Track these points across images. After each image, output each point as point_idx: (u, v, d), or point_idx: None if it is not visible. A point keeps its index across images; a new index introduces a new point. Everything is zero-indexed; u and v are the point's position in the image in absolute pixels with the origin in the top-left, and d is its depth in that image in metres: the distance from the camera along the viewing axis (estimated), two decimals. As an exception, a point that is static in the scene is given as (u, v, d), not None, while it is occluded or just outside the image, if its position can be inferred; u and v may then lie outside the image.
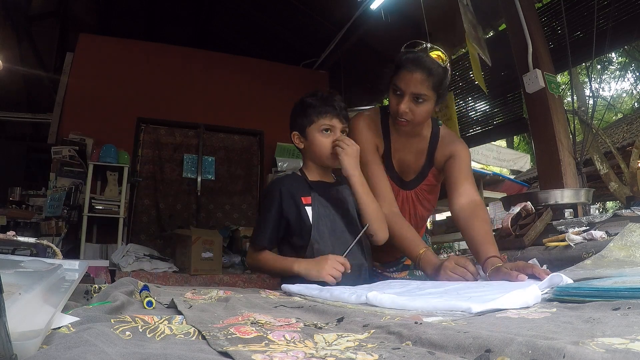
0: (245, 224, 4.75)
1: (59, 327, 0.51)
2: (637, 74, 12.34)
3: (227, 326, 0.57)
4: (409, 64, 1.40)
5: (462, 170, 1.53)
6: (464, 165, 1.55)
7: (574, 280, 0.90)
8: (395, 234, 1.43)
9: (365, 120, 1.60)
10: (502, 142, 11.61)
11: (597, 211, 8.39)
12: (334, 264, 1.24)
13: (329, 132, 1.42)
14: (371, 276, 1.46)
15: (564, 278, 0.89)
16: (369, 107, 5.44)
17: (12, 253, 0.91)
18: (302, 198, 1.41)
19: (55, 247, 0.96)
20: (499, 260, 1.23)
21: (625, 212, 1.39)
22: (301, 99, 1.48)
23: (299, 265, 1.31)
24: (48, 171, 4.44)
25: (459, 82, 4.76)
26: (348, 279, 1.27)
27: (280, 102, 5.45)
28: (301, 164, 1.54)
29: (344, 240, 1.39)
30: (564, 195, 1.70)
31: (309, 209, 1.40)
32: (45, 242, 0.97)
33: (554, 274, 0.94)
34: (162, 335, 0.53)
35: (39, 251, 0.94)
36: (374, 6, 4.14)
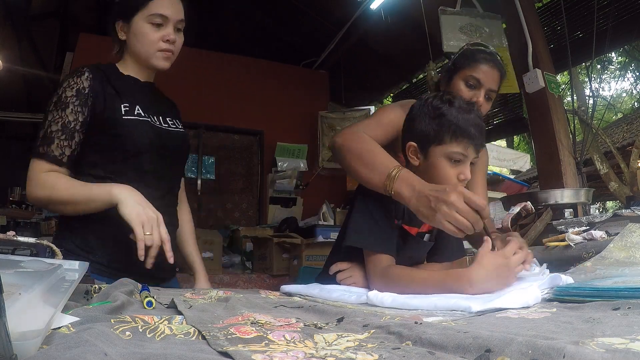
0: (245, 224, 4.75)
1: (59, 327, 0.51)
2: (637, 73, 12.35)
3: (227, 326, 0.57)
4: (491, 61, 1.35)
5: (478, 177, 1.48)
6: (482, 172, 1.52)
7: (574, 280, 0.90)
8: (356, 151, 1.12)
9: (406, 107, 1.33)
10: (502, 142, 11.62)
11: (597, 211, 8.39)
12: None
13: (458, 162, 1.10)
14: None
15: (564, 278, 0.89)
16: (368, 107, 5.45)
17: (12, 253, 0.90)
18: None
19: (55, 247, 0.95)
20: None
21: (625, 212, 1.39)
22: (432, 103, 1.13)
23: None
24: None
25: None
26: None
27: (280, 102, 5.46)
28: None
29: None
30: (564, 195, 1.70)
31: None
32: (45, 242, 0.95)
33: (554, 274, 0.94)
34: (162, 335, 0.53)
35: (39, 251, 0.94)
36: (374, 6, 4.14)
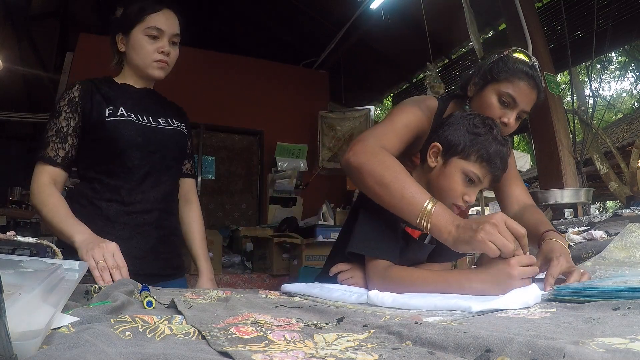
0: (245, 224, 4.75)
1: (59, 327, 0.51)
2: (637, 73, 12.34)
3: (227, 326, 0.57)
4: (532, 80, 1.21)
5: (510, 174, 1.37)
6: (512, 168, 1.40)
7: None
8: (379, 178, 1.04)
9: (424, 104, 1.29)
10: (502, 142, 11.59)
11: (597, 211, 8.39)
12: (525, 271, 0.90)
13: (471, 183, 1.11)
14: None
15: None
16: (368, 107, 5.45)
17: (12, 253, 0.91)
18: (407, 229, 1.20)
19: (55, 247, 0.96)
20: (555, 235, 1.11)
21: (625, 211, 1.39)
22: (474, 120, 1.13)
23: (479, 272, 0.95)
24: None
25: (458, 81, 4.77)
26: None
27: (280, 102, 5.46)
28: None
29: None
30: (564, 195, 1.71)
31: None
32: (45, 242, 0.96)
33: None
34: (162, 335, 0.53)
35: (39, 251, 0.94)
36: (373, 6, 4.14)
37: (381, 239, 1.13)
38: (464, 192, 1.11)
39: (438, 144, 1.15)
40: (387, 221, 1.13)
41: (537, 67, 1.23)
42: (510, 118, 1.21)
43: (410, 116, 1.24)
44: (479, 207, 6.11)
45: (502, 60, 1.23)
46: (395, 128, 1.21)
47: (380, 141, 1.15)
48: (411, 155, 1.26)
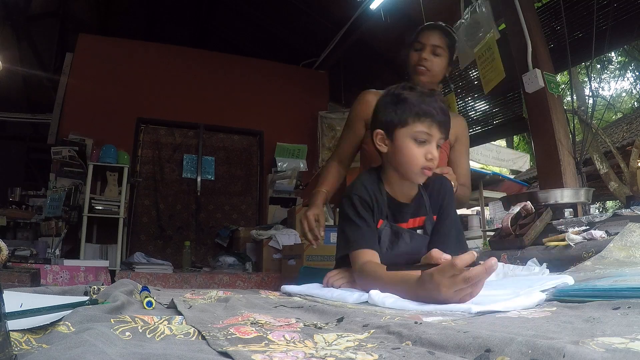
0: (244, 225, 4.75)
1: (59, 325, 0.51)
2: (637, 73, 12.34)
3: (227, 326, 0.57)
4: (430, 26, 1.64)
5: (462, 154, 1.64)
6: (465, 147, 1.65)
7: (574, 281, 0.90)
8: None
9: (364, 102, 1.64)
10: (502, 142, 11.62)
11: (597, 211, 8.39)
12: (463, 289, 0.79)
13: (423, 143, 1.13)
14: None
15: (568, 281, 0.89)
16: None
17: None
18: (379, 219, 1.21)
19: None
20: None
21: (625, 211, 1.39)
22: (394, 91, 1.19)
23: (397, 279, 0.94)
24: (48, 171, 4.44)
25: (458, 81, 4.76)
26: None
27: (280, 102, 5.46)
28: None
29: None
30: (563, 195, 1.70)
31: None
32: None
33: (555, 275, 0.93)
34: (162, 336, 0.53)
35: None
36: (373, 6, 4.14)
37: (355, 231, 1.16)
38: (423, 153, 1.13)
39: (378, 130, 1.20)
40: (357, 211, 1.17)
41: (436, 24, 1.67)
42: (423, 54, 1.60)
43: (354, 113, 1.64)
44: (479, 207, 6.12)
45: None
46: (347, 135, 1.69)
47: (340, 157, 1.72)
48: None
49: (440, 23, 1.67)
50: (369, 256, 1.11)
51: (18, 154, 6.20)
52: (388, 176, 1.22)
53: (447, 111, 1.17)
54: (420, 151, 1.13)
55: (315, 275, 1.43)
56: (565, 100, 4.99)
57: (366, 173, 1.27)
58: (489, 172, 6.31)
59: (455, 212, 1.30)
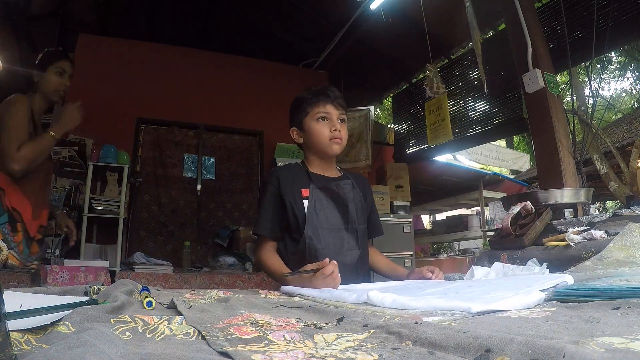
0: (245, 224, 4.75)
1: (59, 325, 0.51)
2: (637, 73, 12.35)
3: (227, 326, 0.57)
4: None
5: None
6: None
7: (574, 280, 0.90)
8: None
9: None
10: (502, 142, 11.62)
11: (597, 211, 8.39)
12: (327, 282, 1.09)
13: (325, 120, 1.44)
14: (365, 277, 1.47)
15: (568, 281, 0.89)
16: (368, 107, 5.45)
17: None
18: (302, 190, 1.41)
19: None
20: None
21: (625, 211, 1.39)
22: (295, 97, 1.52)
23: (293, 279, 1.19)
24: (48, 171, 4.43)
25: (458, 81, 4.76)
26: (347, 279, 1.25)
27: (280, 102, 5.44)
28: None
29: (339, 237, 1.38)
30: (563, 195, 1.70)
31: (306, 202, 1.38)
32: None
33: (556, 275, 0.93)
34: (162, 336, 0.53)
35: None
36: (373, 6, 4.14)
37: (262, 214, 1.42)
38: (328, 127, 1.43)
39: (293, 127, 1.50)
40: (265, 196, 1.43)
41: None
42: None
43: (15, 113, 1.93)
44: (479, 207, 6.12)
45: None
46: (14, 132, 1.87)
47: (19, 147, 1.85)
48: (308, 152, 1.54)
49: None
50: (268, 248, 1.41)
51: (18, 154, 6.18)
52: (310, 161, 1.49)
53: (340, 94, 1.47)
54: (324, 126, 1.42)
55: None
56: (565, 101, 4.99)
57: (291, 164, 1.54)
58: (489, 172, 6.32)
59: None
